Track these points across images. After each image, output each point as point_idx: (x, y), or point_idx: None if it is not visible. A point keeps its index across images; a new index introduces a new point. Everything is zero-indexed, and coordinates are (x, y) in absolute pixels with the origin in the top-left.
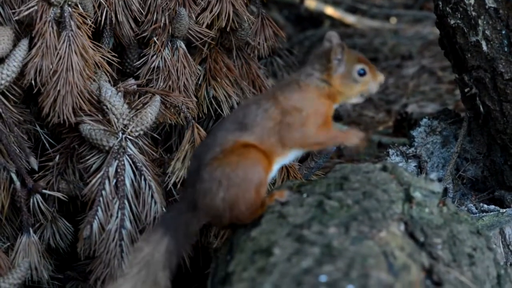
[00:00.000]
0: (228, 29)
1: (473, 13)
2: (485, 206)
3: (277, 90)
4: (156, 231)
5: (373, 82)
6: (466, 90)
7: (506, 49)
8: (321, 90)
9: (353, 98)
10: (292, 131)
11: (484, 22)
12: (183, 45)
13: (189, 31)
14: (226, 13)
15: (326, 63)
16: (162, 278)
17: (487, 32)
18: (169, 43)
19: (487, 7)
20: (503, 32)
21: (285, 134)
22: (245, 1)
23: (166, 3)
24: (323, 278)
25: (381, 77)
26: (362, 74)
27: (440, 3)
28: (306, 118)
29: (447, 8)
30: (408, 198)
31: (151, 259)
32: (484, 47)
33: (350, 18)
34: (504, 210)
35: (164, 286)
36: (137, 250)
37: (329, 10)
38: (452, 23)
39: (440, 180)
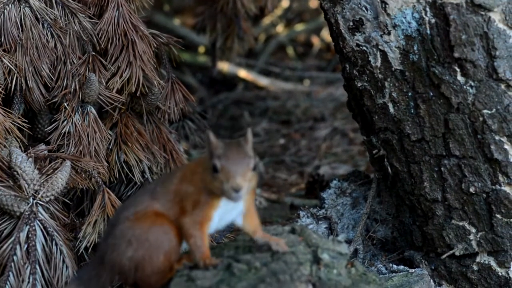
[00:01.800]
0: (138, 93)
1: (380, 76)
2: (395, 266)
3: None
4: (71, 282)
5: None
6: (374, 151)
7: (412, 111)
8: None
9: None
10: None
11: (391, 85)
12: (93, 110)
13: (100, 96)
14: (136, 78)
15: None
16: None
17: (394, 94)
18: (80, 108)
19: (393, 69)
20: (409, 94)
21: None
22: (155, 66)
23: (76, 69)
24: None
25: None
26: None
27: (347, 66)
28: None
29: (354, 71)
30: (316, 260)
31: None
32: (391, 109)
33: (263, 81)
34: (413, 270)
35: None
36: None
37: (242, 73)
38: (359, 85)
39: (349, 241)
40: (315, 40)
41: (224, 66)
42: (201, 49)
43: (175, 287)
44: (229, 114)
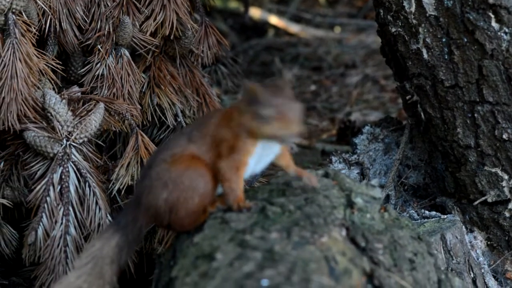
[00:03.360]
0: (171, 37)
1: (414, 21)
2: (427, 212)
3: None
4: (108, 228)
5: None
6: (407, 97)
7: (446, 57)
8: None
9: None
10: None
11: (425, 30)
12: (127, 53)
13: (133, 39)
14: (169, 21)
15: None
16: (107, 271)
17: (428, 40)
18: (113, 51)
19: (427, 15)
20: (444, 40)
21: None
22: (189, 10)
23: (110, 11)
24: (265, 282)
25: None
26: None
27: (381, 11)
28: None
29: (388, 16)
30: (350, 204)
31: (100, 253)
32: (425, 55)
33: (294, 27)
34: (445, 216)
35: (108, 280)
36: (89, 246)
37: (274, 20)
38: (393, 31)
39: (382, 186)
40: None
41: (256, 12)
42: None
43: (209, 229)
44: (260, 60)
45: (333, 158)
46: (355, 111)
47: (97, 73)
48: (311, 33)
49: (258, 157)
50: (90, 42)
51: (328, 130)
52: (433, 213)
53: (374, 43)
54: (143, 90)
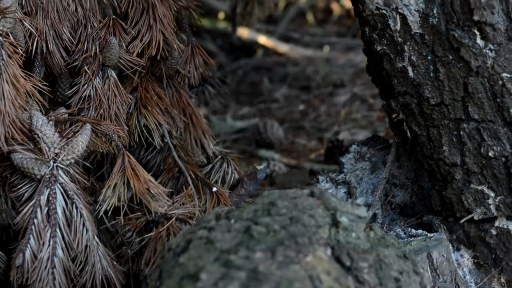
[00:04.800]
0: (158, 57)
1: (399, 39)
2: (413, 231)
3: None
4: None
5: None
6: (393, 116)
7: (431, 75)
8: None
9: None
10: None
11: (410, 48)
12: (114, 74)
13: (120, 60)
14: (156, 41)
15: None
16: None
17: (413, 58)
18: (100, 72)
19: (412, 33)
20: (429, 57)
21: None
22: (175, 30)
23: (97, 32)
24: None
25: None
26: None
27: (367, 29)
28: None
29: (374, 35)
30: (335, 223)
31: None
32: (410, 73)
33: (283, 47)
34: (432, 234)
35: None
36: None
37: (262, 39)
38: (378, 49)
39: (368, 205)
40: (335, 6)
41: (244, 32)
42: (221, 15)
43: (195, 249)
44: (248, 80)
45: (320, 178)
46: (344, 130)
47: (84, 94)
48: (300, 53)
49: None
50: (77, 63)
51: (316, 150)
52: (420, 231)
53: (363, 62)
54: (130, 111)
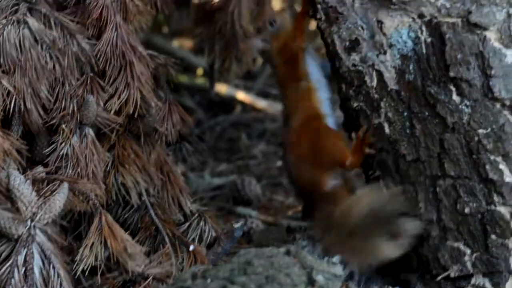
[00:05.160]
0: (135, 115)
1: (375, 96)
2: None
3: None
4: None
5: None
6: (369, 173)
7: (408, 131)
8: None
9: None
10: None
11: (386, 105)
12: (91, 132)
13: (97, 117)
14: (133, 99)
15: None
16: None
17: (389, 114)
18: (78, 130)
19: (389, 89)
20: (405, 114)
21: None
22: (153, 87)
23: (74, 90)
24: None
25: None
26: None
27: (343, 86)
28: None
29: (350, 91)
30: (311, 282)
31: None
32: (387, 129)
33: (261, 103)
34: None
35: None
36: None
37: (241, 95)
38: (355, 106)
39: (345, 263)
40: None
41: (222, 88)
42: (200, 71)
43: None
44: (226, 136)
45: (297, 235)
46: None
47: (61, 152)
48: (278, 108)
49: None
50: (54, 121)
51: (294, 207)
52: None
53: (339, 118)
54: (108, 169)
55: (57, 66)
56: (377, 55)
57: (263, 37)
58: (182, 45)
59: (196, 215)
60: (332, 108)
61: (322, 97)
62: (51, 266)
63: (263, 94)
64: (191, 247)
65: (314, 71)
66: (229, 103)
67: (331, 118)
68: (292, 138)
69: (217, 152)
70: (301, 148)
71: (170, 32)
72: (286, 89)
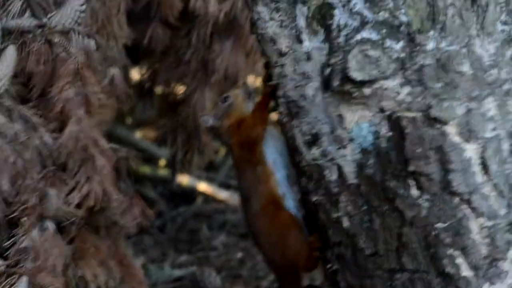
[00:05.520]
0: (96, 208)
1: (335, 190)
2: None
3: None
4: None
5: None
6: (328, 266)
7: (367, 225)
8: None
9: None
10: None
11: (346, 199)
12: (52, 225)
13: (58, 211)
14: (94, 193)
15: None
16: None
17: (348, 208)
18: (39, 224)
19: (348, 183)
20: (364, 207)
21: None
22: (115, 180)
23: (36, 184)
24: None
25: None
26: None
27: (303, 179)
28: None
29: (310, 185)
30: None
31: None
32: (345, 223)
33: (223, 194)
34: None
35: None
36: None
37: (202, 186)
38: (314, 199)
39: None
40: None
41: (184, 179)
42: (162, 162)
43: None
44: (188, 228)
45: None
46: None
47: (21, 246)
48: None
49: None
50: (15, 214)
51: None
52: None
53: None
54: (67, 262)
55: (19, 160)
56: (338, 149)
57: (215, 113)
58: (145, 135)
59: None
60: (290, 184)
61: (279, 178)
62: None
63: (225, 185)
64: None
65: (271, 150)
66: (190, 194)
67: (290, 196)
68: (256, 226)
69: (178, 243)
70: (265, 238)
71: (133, 122)
72: (243, 172)
